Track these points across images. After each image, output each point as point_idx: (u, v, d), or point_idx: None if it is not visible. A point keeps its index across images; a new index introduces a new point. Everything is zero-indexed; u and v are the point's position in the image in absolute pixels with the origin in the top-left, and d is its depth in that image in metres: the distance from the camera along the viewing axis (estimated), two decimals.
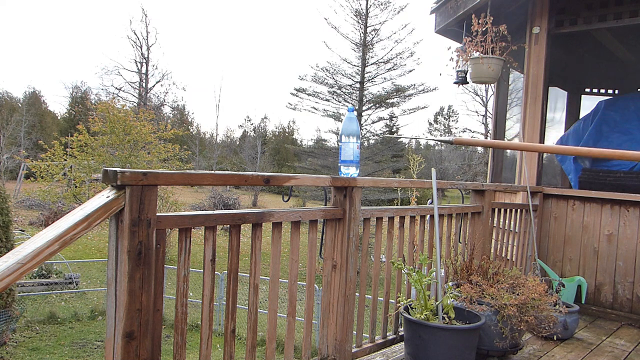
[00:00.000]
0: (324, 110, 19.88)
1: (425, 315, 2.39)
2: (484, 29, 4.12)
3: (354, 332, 2.42)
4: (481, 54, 4.17)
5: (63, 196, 15.67)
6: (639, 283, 3.84)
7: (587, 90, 6.71)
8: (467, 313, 2.52)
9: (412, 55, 19.60)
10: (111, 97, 28.60)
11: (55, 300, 10.41)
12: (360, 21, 19.24)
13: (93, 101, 29.63)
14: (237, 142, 45.02)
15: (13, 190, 21.85)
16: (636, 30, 4.56)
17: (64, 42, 66.14)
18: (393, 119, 26.36)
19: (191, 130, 39.18)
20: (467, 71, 4.50)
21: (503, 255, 3.92)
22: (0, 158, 25.44)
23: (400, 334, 2.78)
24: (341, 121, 19.78)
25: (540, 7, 4.43)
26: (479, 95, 38.57)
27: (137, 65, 33.88)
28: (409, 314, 2.42)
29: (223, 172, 1.89)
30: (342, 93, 19.64)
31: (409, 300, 2.60)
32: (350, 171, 2.37)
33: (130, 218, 1.43)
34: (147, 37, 33.60)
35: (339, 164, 2.40)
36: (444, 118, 49.10)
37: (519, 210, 3.98)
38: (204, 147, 38.25)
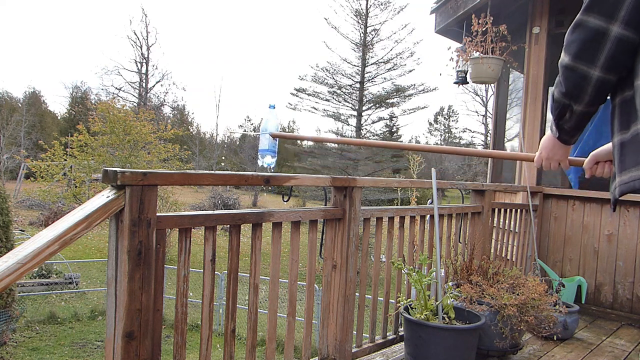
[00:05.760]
0: (324, 110, 19.86)
1: (425, 315, 2.39)
2: (484, 29, 4.12)
3: (354, 332, 2.42)
4: (481, 54, 4.18)
5: (63, 196, 15.69)
6: (639, 283, 3.83)
7: None
8: (467, 313, 2.52)
9: (412, 55, 19.57)
10: (111, 97, 28.64)
11: (55, 300, 10.40)
12: (360, 21, 19.22)
13: (93, 101, 29.59)
14: (237, 142, 45.00)
15: (13, 190, 21.83)
16: None
17: (64, 42, 66.05)
18: (393, 119, 26.36)
19: (191, 130, 39.17)
20: (467, 71, 4.51)
21: (503, 255, 3.92)
22: (0, 158, 25.43)
23: (400, 334, 2.78)
24: (341, 121, 19.83)
25: (540, 7, 4.43)
26: (479, 95, 38.61)
27: (137, 65, 33.90)
28: (409, 314, 2.42)
29: (223, 172, 1.89)
30: (342, 93, 19.61)
31: (409, 300, 2.60)
32: (266, 160, 2.45)
33: (130, 218, 1.43)
34: (147, 37, 33.61)
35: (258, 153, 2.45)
36: (444, 118, 49.09)
37: (519, 210, 3.98)
38: (204, 147, 38.22)
